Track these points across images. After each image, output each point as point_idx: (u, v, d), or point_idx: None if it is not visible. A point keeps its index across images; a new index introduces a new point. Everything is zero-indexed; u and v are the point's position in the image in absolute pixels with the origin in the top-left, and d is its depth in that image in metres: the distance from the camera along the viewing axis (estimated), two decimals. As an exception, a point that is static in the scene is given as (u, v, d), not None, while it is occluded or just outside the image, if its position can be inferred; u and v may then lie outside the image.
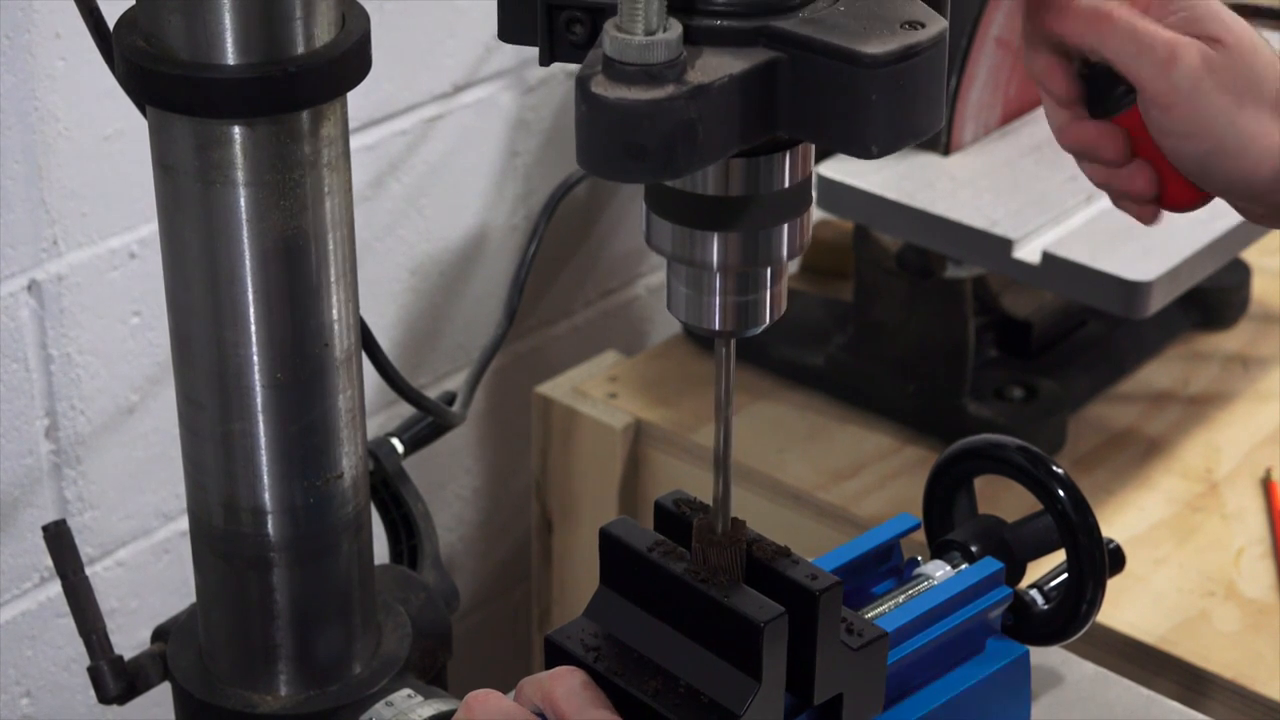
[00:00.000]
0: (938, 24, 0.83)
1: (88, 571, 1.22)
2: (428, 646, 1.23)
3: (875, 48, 0.81)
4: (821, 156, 1.62)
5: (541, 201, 1.76)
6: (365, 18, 1.06)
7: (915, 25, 0.82)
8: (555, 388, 1.75)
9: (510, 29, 0.88)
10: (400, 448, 1.35)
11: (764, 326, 0.92)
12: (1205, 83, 0.98)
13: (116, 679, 1.19)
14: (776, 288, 0.92)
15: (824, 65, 0.82)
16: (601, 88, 0.79)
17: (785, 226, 0.89)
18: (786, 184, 0.88)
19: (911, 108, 0.82)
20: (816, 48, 0.82)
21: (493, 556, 1.97)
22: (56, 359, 1.50)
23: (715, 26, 0.83)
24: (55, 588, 1.55)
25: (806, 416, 1.70)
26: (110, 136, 1.47)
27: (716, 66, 0.81)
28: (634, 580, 0.99)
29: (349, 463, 1.14)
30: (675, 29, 0.80)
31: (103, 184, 1.48)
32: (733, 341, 0.93)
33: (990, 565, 1.13)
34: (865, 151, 0.82)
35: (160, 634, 1.23)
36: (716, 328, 0.92)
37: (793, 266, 1.96)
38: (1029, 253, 1.51)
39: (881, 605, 1.09)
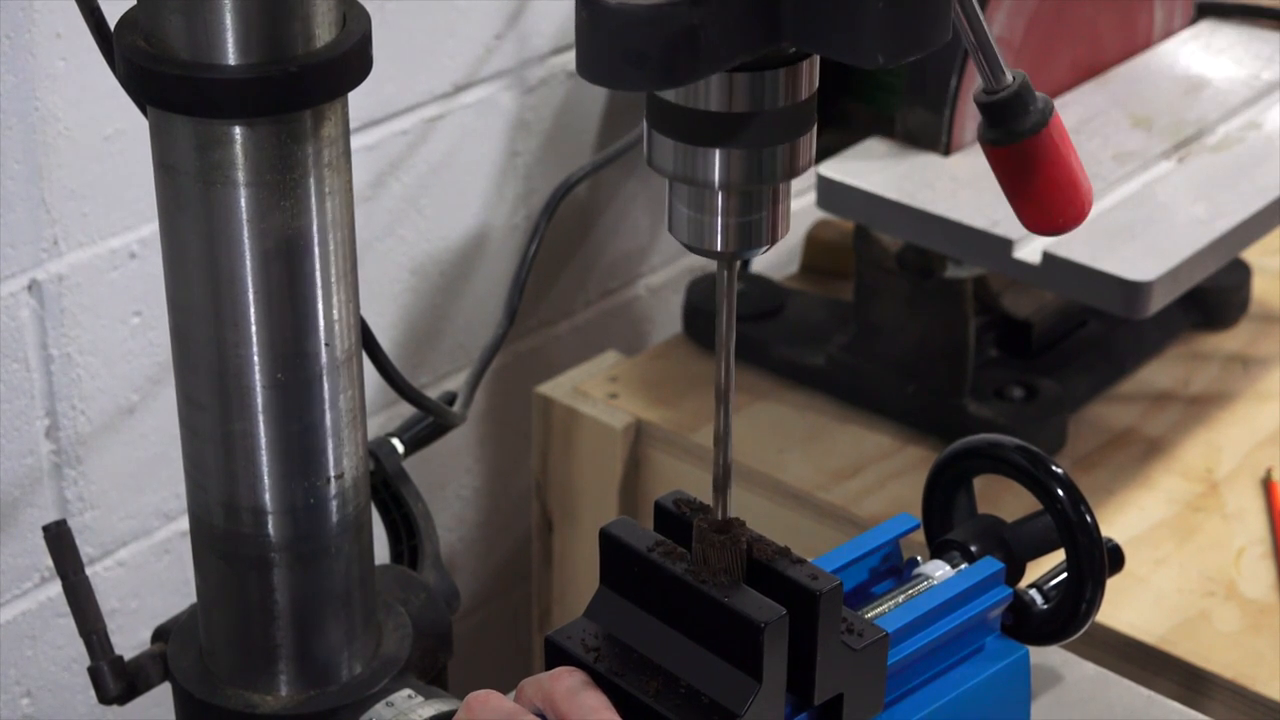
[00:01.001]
0: None
1: (88, 571, 1.22)
2: (428, 646, 1.23)
3: None
4: (823, 155, 1.62)
5: (542, 201, 1.76)
6: (366, 18, 1.06)
7: None
8: (556, 388, 1.75)
9: None
10: (400, 448, 1.35)
11: (766, 248, 0.91)
12: None
13: (117, 679, 1.19)
14: (779, 208, 0.90)
15: None
16: None
17: (789, 144, 0.88)
18: (791, 100, 0.87)
19: (917, 16, 0.81)
20: None
21: (493, 556, 1.97)
22: (57, 359, 1.50)
23: None
24: (55, 588, 1.55)
25: (807, 417, 1.70)
26: (111, 136, 1.47)
27: None
28: (634, 580, 0.99)
29: (349, 463, 1.14)
30: None
31: (103, 184, 1.48)
32: (735, 264, 0.92)
33: (990, 565, 1.13)
34: (871, 60, 0.81)
35: (160, 634, 1.23)
36: (719, 248, 0.90)
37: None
38: (1029, 253, 1.51)
39: (881, 605, 1.09)
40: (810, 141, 0.89)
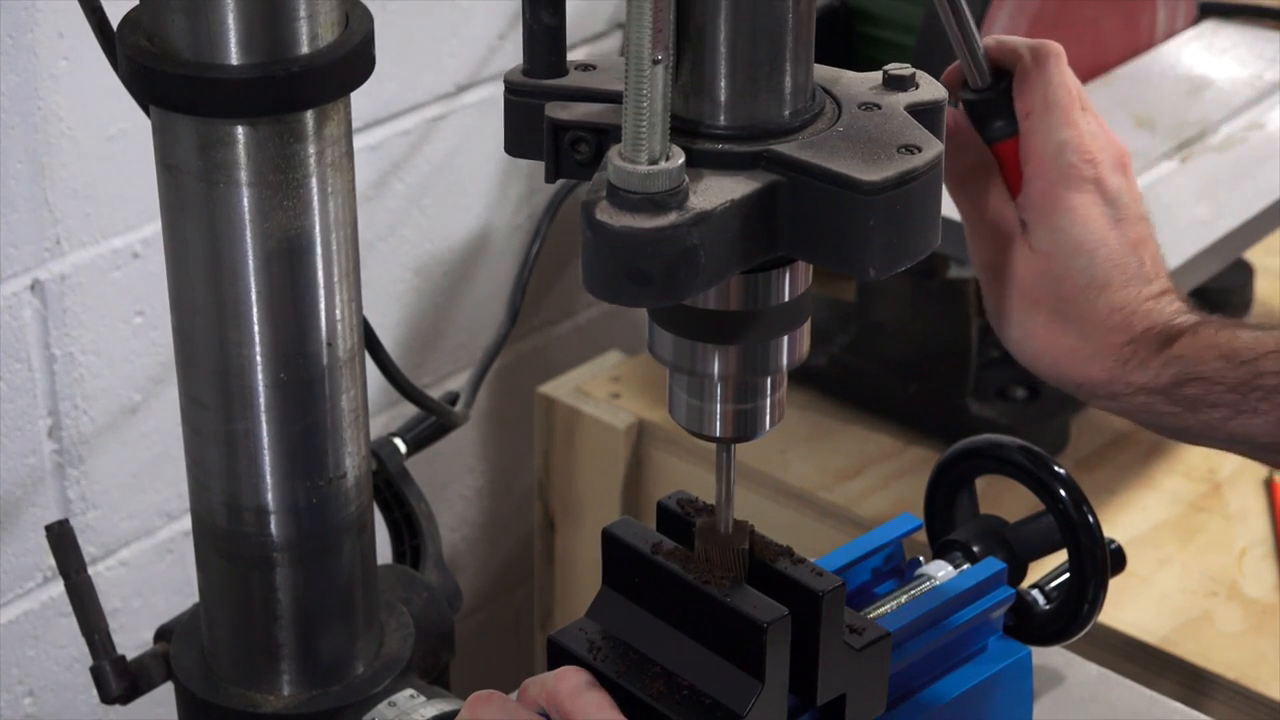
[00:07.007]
0: (933, 148, 0.84)
1: (90, 571, 1.22)
2: (430, 646, 1.23)
3: (873, 174, 0.82)
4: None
5: (544, 201, 1.76)
6: (368, 17, 1.06)
7: (912, 149, 0.84)
8: (558, 388, 1.75)
9: (517, 144, 0.90)
10: (403, 448, 1.35)
11: (764, 434, 0.94)
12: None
13: (119, 679, 1.19)
14: (778, 394, 0.93)
15: (823, 190, 0.83)
16: (606, 215, 0.80)
17: (785, 338, 0.90)
18: (786, 298, 0.89)
19: (908, 231, 0.84)
20: (815, 173, 0.83)
21: (495, 556, 1.97)
22: (59, 358, 1.50)
23: (717, 151, 0.84)
24: (58, 587, 1.55)
25: (809, 417, 1.70)
26: (113, 136, 1.47)
27: (718, 191, 0.82)
28: (636, 581, 0.99)
29: (352, 462, 1.14)
30: (678, 157, 0.81)
31: (106, 184, 1.48)
32: (733, 446, 0.94)
33: (992, 565, 1.13)
34: (863, 274, 0.84)
35: (163, 634, 1.23)
36: (717, 434, 0.93)
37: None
38: (1032, 253, 1.51)
39: (884, 605, 1.09)
40: (807, 331, 0.91)
